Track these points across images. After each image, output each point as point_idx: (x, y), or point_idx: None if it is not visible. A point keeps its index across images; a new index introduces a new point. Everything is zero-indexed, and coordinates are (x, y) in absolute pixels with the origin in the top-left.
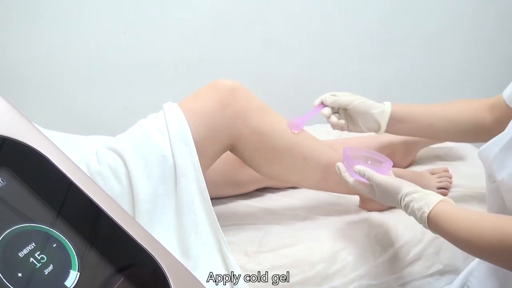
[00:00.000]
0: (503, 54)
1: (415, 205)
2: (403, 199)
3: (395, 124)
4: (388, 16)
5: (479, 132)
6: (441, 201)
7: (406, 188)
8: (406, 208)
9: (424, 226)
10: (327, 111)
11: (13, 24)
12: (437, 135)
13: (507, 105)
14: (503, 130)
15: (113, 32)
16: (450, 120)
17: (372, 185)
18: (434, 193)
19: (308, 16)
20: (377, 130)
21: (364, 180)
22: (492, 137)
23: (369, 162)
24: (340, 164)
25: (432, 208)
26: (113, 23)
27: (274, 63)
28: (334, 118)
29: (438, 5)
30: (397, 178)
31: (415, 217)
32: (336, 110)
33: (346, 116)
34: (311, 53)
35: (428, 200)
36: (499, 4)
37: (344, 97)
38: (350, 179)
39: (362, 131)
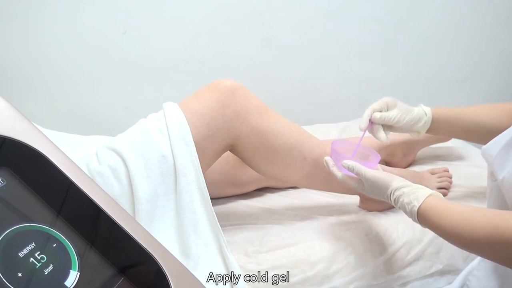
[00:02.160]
0: (503, 54)
1: (405, 199)
2: (393, 194)
3: (431, 130)
4: (388, 16)
5: None
6: (430, 195)
7: (395, 182)
8: (395, 203)
9: (414, 220)
10: (380, 133)
11: (13, 24)
12: (470, 139)
13: None
14: None
15: (113, 32)
16: (483, 125)
17: (361, 180)
18: (424, 187)
19: (308, 16)
20: (415, 135)
21: (352, 174)
22: None
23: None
24: (328, 158)
25: (422, 202)
26: (113, 22)
27: (274, 63)
28: (383, 136)
29: (438, 5)
30: (386, 173)
31: (405, 211)
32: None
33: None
34: (311, 52)
35: (417, 194)
36: (499, 4)
37: (391, 116)
38: (338, 173)
39: (399, 133)
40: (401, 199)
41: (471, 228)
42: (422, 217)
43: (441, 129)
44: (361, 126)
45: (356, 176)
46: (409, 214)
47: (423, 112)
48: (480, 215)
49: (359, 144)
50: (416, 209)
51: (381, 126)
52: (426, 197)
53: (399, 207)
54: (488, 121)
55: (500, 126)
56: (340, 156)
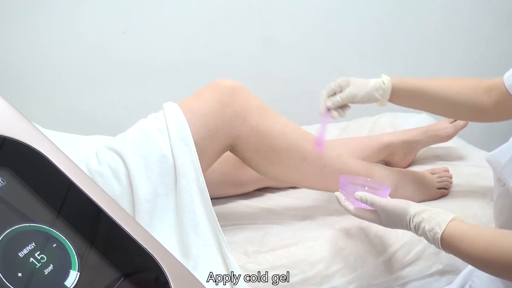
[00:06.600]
0: (503, 54)
1: (426, 226)
2: (412, 220)
3: (394, 99)
4: (388, 16)
5: (477, 114)
6: (452, 220)
7: (413, 208)
8: (416, 230)
9: (437, 247)
10: (336, 115)
11: (13, 24)
12: (434, 112)
13: (508, 92)
14: (501, 113)
15: (113, 32)
16: (448, 102)
17: (376, 211)
18: (443, 211)
19: (308, 16)
20: (380, 104)
21: (366, 206)
22: (491, 119)
23: (366, 188)
24: (338, 194)
25: (445, 228)
26: (113, 22)
27: (274, 63)
28: (336, 114)
29: (438, 5)
30: (401, 199)
31: (427, 238)
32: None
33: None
34: (311, 52)
35: (439, 219)
36: (499, 4)
37: (345, 96)
38: (351, 207)
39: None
40: (422, 226)
41: (500, 253)
42: (446, 244)
43: (403, 99)
44: (320, 111)
45: (370, 208)
46: (432, 241)
47: (381, 81)
48: (507, 239)
49: (324, 129)
50: (439, 236)
51: (337, 112)
52: (448, 222)
53: (420, 234)
54: (452, 96)
55: (463, 100)
56: (350, 189)
